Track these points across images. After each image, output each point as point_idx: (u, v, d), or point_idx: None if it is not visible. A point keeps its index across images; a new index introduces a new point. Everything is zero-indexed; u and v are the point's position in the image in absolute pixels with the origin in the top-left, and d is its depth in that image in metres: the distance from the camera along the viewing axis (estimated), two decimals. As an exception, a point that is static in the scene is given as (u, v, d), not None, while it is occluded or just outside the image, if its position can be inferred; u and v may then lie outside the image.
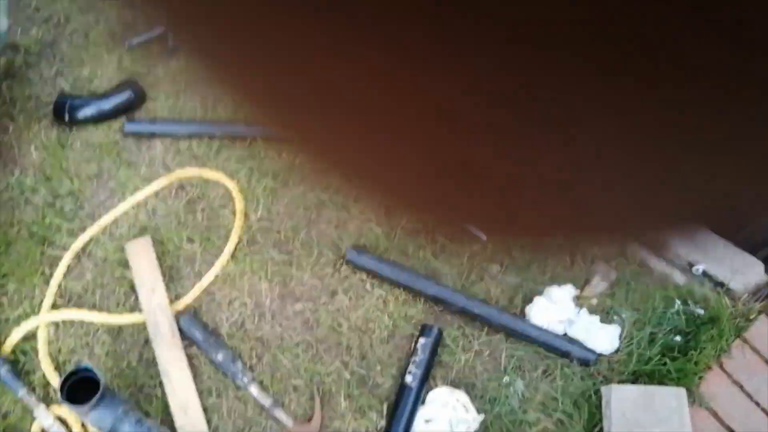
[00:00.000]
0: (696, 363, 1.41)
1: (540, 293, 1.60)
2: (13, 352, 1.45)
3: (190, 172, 1.67)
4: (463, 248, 1.67)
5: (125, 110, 1.72)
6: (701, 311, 1.53)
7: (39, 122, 1.71)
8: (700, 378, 1.39)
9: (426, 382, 1.46)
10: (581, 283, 1.63)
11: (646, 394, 1.35)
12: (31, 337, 1.47)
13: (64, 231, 1.59)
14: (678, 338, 1.49)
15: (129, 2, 1.90)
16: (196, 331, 1.48)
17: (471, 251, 1.67)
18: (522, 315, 1.58)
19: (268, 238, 1.63)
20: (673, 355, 1.46)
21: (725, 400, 1.37)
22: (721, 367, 1.40)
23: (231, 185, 1.66)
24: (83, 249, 1.57)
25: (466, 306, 1.55)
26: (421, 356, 1.46)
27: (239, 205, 1.63)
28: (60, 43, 1.85)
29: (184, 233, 1.60)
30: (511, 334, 1.54)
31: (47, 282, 1.52)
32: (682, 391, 1.34)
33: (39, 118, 1.71)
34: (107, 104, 1.69)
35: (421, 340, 1.48)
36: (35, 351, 1.45)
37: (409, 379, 1.44)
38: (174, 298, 1.53)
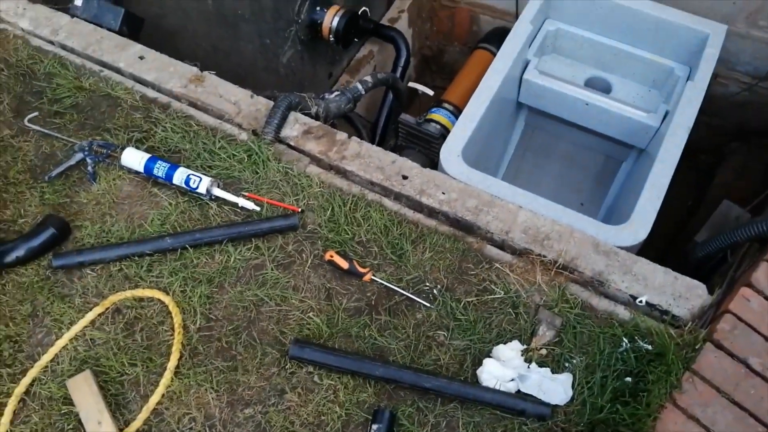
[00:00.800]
0: (648, 404, 1.39)
1: (488, 353, 1.60)
2: None
3: (124, 294, 1.66)
4: (408, 319, 1.66)
5: (52, 246, 1.72)
6: (649, 347, 1.52)
7: (-35, 272, 1.71)
8: (655, 419, 1.38)
9: (385, 468, 1.44)
10: (528, 335, 1.62)
11: (601, 444, 1.33)
12: (-16, 492, 1.44)
13: (6, 377, 1.56)
14: (629, 379, 1.48)
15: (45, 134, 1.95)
16: (148, 457, 1.46)
17: (416, 321, 1.66)
18: (474, 378, 1.57)
19: (209, 347, 1.61)
20: (624, 399, 1.44)
21: (682, 436, 1.35)
22: (674, 403, 1.39)
23: (167, 300, 1.66)
24: (27, 392, 1.55)
25: (415, 381, 1.54)
26: (376, 443, 1.44)
27: (177, 319, 1.63)
28: (-21, 189, 1.86)
29: (125, 358, 1.58)
30: (465, 400, 1.53)
31: (-6, 434, 1.50)
32: (636, 436, 1.33)
33: (-35, 269, 1.71)
34: (31, 245, 1.70)
35: (374, 427, 1.46)
36: (-10, 507, 1.42)
37: (368, 468, 1.42)
38: (123, 425, 1.51)
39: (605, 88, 2.74)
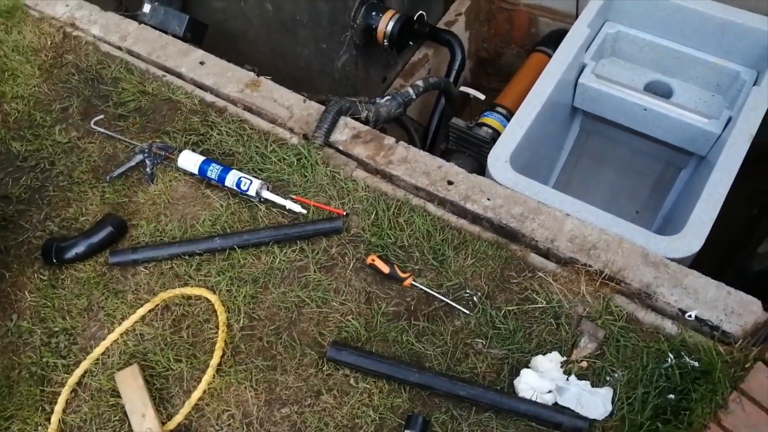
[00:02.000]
0: (690, 424, 1.34)
1: (527, 364, 1.57)
2: (24, 490, 1.51)
3: (173, 292, 1.74)
4: (446, 326, 1.66)
5: (109, 243, 1.82)
6: (695, 363, 1.46)
7: (32, 266, 1.82)
8: (696, 438, 1.32)
9: (417, 474, 1.44)
10: (569, 347, 1.59)
11: (638, 463, 1.28)
12: (38, 474, 1.53)
13: (60, 368, 1.66)
14: (671, 396, 1.43)
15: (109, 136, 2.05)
16: (190, 449, 1.51)
17: (454, 327, 1.66)
18: (510, 388, 1.55)
19: (251, 346, 1.66)
20: (665, 417, 1.39)
21: (725, 459, 1.29)
22: (719, 424, 1.33)
23: (213, 298, 1.72)
24: (78, 382, 1.64)
25: (450, 389, 1.53)
26: (409, 448, 1.45)
27: (221, 317, 1.68)
28: (47, 186, 1.98)
29: (171, 354, 1.65)
30: (500, 411, 1.51)
31: (48, 419, 1.59)
32: (675, 456, 1.28)
33: (32, 262, 1.83)
34: (90, 242, 1.80)
35: (407, 432, 1.47)
36: (44, 487, 1.51)
37: (399, 473, 1.43)
38: (166, 419, 1.57)
39: (666, 93, 2.63)
